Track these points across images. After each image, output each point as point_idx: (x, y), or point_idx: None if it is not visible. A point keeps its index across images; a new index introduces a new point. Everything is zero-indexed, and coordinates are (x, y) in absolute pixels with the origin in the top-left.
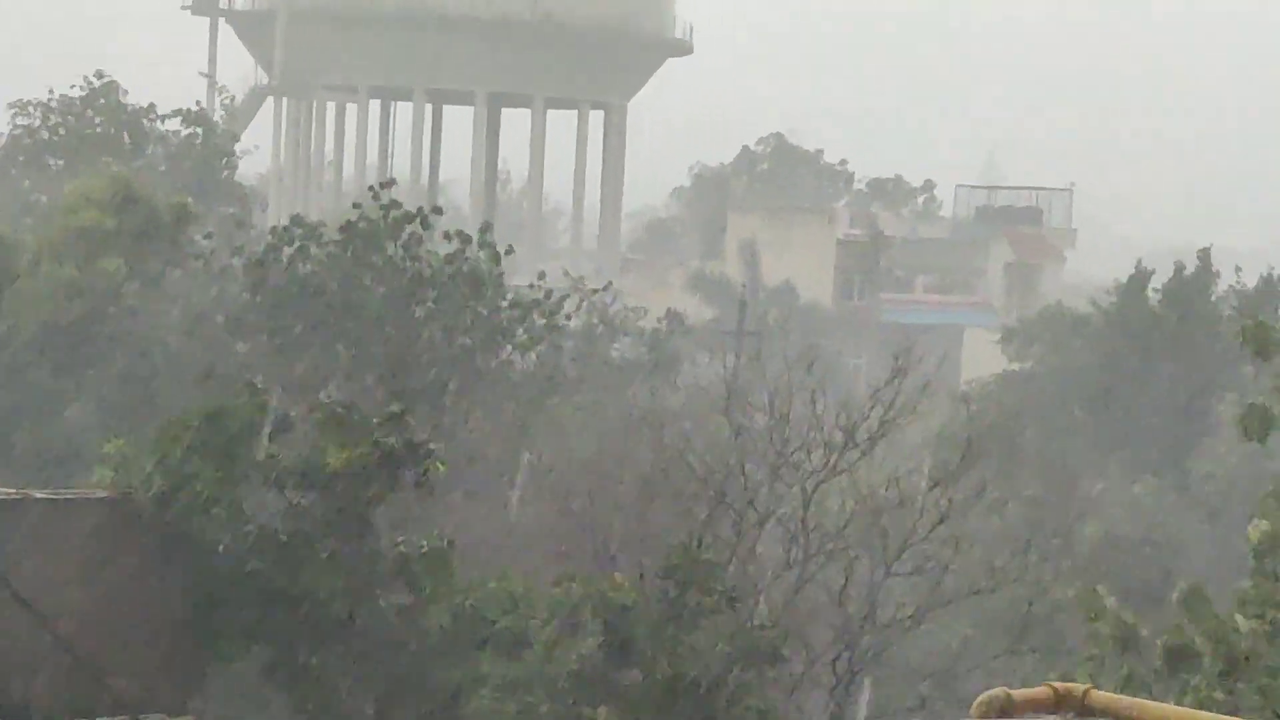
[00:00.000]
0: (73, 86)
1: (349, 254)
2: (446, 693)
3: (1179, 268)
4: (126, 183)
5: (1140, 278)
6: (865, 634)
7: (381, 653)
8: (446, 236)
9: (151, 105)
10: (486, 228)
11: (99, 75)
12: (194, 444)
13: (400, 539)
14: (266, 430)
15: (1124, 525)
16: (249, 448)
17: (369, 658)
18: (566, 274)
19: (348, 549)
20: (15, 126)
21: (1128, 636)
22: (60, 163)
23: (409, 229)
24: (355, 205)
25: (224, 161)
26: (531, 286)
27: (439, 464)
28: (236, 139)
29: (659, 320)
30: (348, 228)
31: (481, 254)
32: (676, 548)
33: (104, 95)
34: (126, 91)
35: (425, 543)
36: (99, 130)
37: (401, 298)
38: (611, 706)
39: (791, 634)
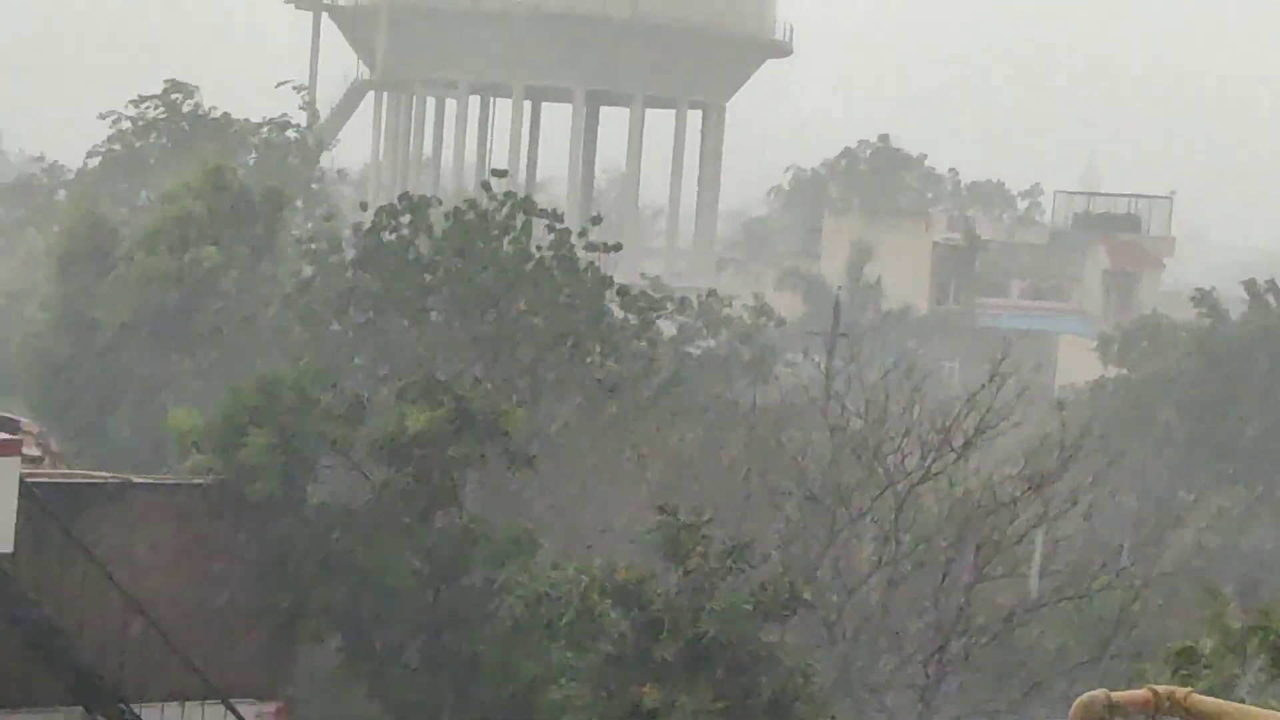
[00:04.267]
0: (166, 85)
1: (460, 237)
2: (522, 681)
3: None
4: (219, 170)
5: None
6: (957, 636)
7: (460, 637)
8: (550, 228)
9: (228, 117)
10: (597, 220)
11: (176, 84)
12: (249, 414)
13: (480, 521)
14: (331, 402)
15: (1211, 535)
16: (304, 418)
17: (447, 641)
18: (643, 276)
19: (430, 526)
20: (111, 140)
21: (1233, 642)
22: (155, 162)
23: (520, 219)
24: (484, 186)
25: (314, 169)
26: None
27: (515, 417)
28: (326, 147)
29: (752, 310)
30: (457, 214)
31: (583, 246)
32: (661, 520)
33: (185, 100)
34: (196, 89)
35: (508, 526)
36: (188, 130)
37: (505, 285)
38: (652, 683)
39: (883, 634)
